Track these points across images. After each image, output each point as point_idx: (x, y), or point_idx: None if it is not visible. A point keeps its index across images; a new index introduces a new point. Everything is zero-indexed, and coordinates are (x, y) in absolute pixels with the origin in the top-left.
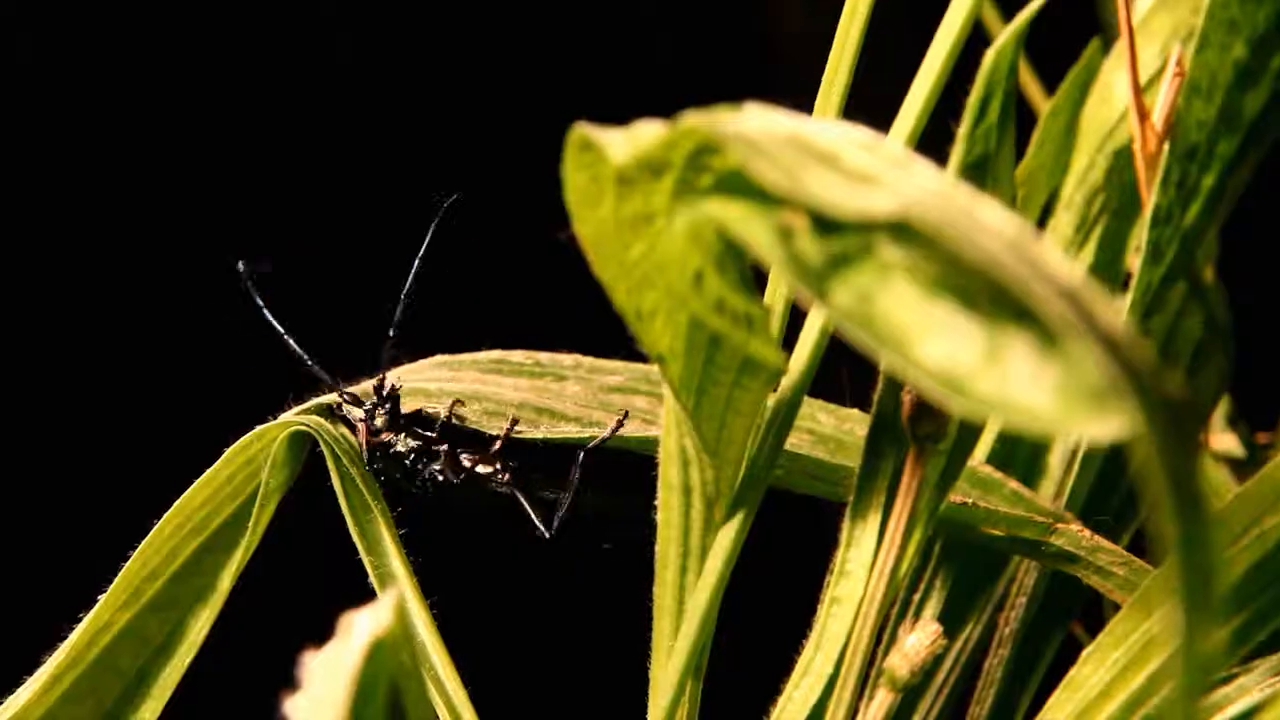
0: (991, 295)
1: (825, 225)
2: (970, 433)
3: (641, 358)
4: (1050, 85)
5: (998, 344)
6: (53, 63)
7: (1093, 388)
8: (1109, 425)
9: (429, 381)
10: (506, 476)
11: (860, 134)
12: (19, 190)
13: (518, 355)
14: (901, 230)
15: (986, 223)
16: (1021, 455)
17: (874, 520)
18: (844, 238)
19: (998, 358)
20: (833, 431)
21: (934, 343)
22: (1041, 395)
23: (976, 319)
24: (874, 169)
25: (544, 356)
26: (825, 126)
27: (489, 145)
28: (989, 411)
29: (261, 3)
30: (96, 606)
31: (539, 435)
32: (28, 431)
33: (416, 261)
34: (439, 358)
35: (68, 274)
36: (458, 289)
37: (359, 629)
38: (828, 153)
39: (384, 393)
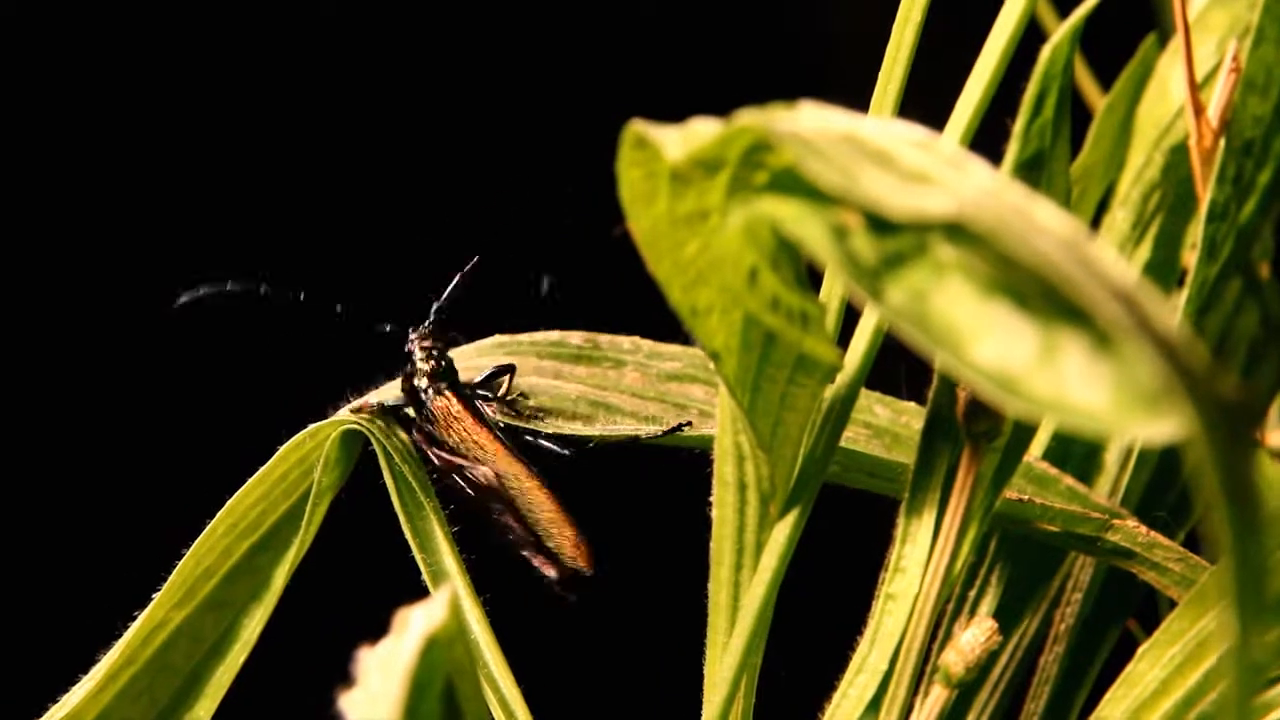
0: (1046, 295)
1: (880, 224)
2: (1026, 429)
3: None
4: (1105, 82)
5: (1052, 344)
6: (52, 63)
7: (1147, 389)
8: (1163, 426)
9: (487, 362)
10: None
11: (915, 132)
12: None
13: (576, 338)
14: (956, 230)
15: (1041, 223)
16: (1077, 451)
17: (929, 516)
18: (899, 236)
19: (1052, 358)
20: (889, 425)
21: (988, 342)
22: (1096, 396)
23: (1031, 319)
24: (928, 168)
25: (603, 339)
26: (880, 125)
27: (546, 142)
28: (1043, 412)
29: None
30: (151, 605)
31: (595, 434)
32: (82, 430)
33: (454, 280)
34: (496, 338)
35: (116, 272)
36: (513, 282)
37: (414, 625)
38: (882, 152)
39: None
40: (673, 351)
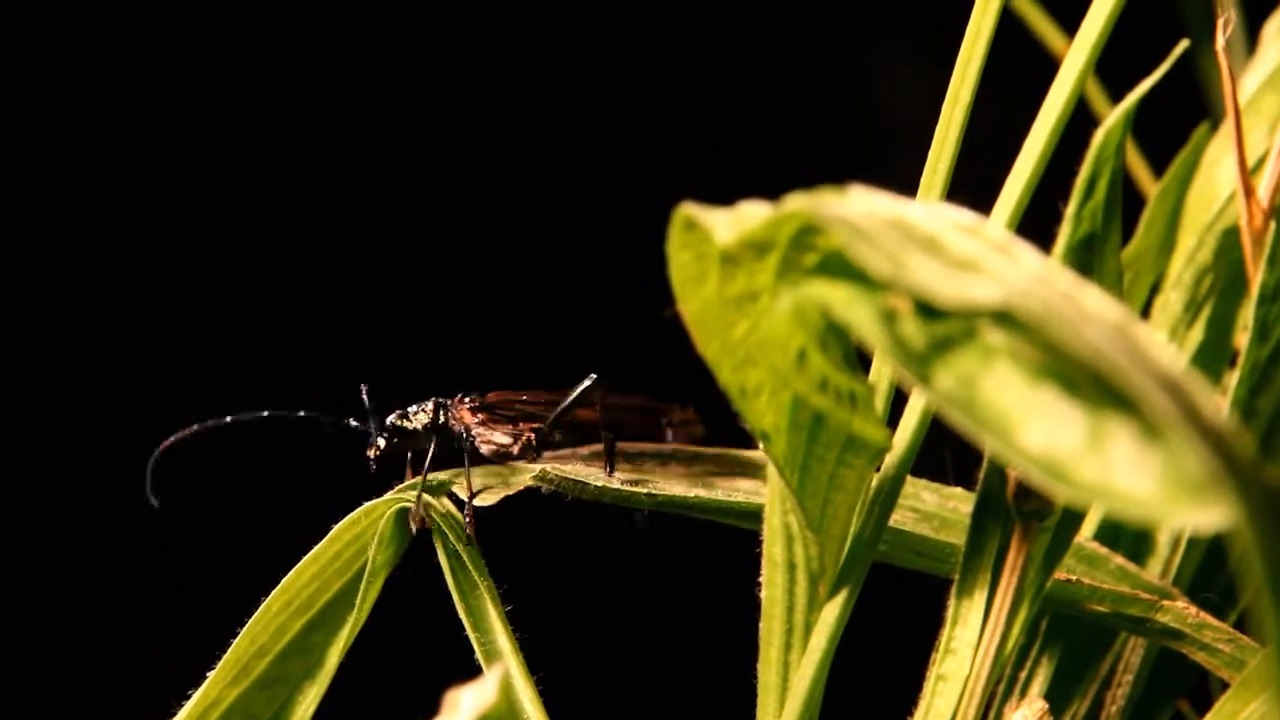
0: (1094, 382)
1: (929, 308)
2: (1077, 509)
3: (745, 436)
4: (1155, 165)
5: (1100, 431)
6: (52, 65)
7: (1193, 477)
8: (1210, 515)
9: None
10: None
11: (963, 216)
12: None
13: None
14: (1004, 316)
15: (1089, 310)
16: (1128, 531)
17: (980, 597)
18: (947, 321)
19: (1100, 444)
20: (936, 509)
21: (1036, 428)
22: (1143, 483)
23: (1079, 405)
24: (976, 255)
25: (647, 446)
26: (927, 210)
27: (599, 224)
28: (1090, 498)
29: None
30: (205, 683)
31: (643, 493)
32: (133, 510)
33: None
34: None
35: (171, 351)
36: (558, 359)
37: (464, 705)
38: (930, 238)
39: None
40: (711, 454)
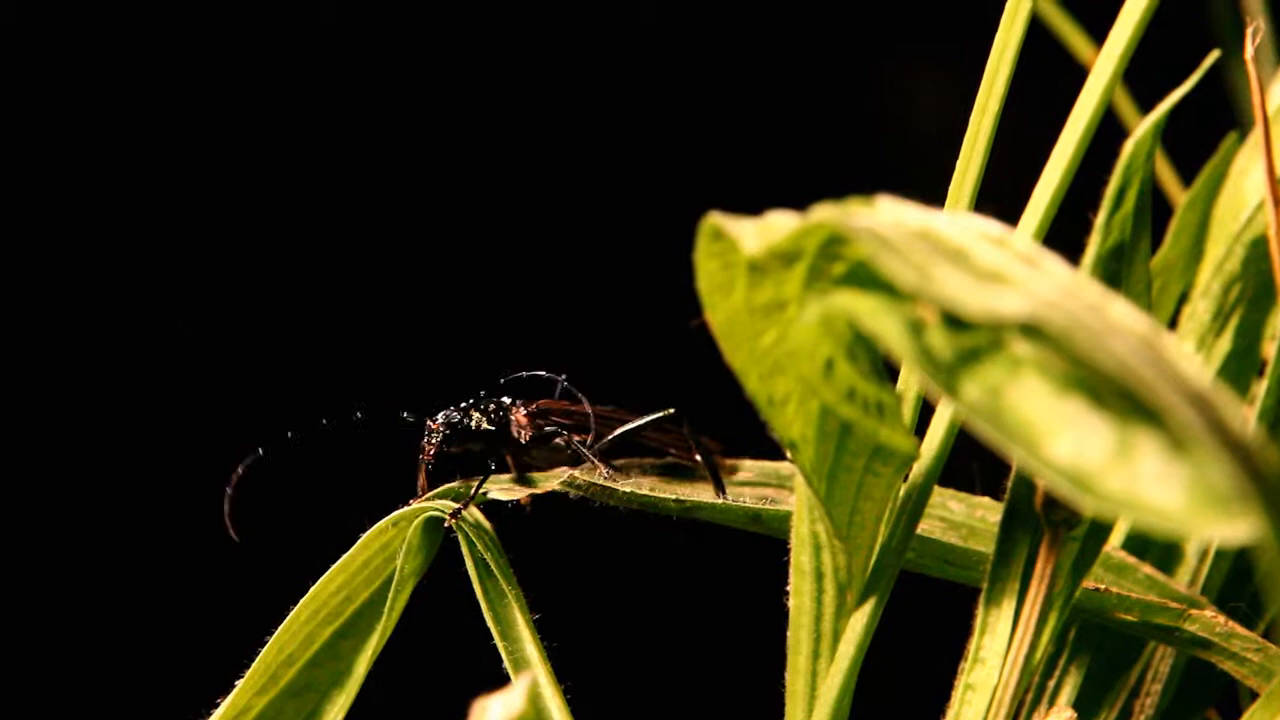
0: (1121, 394)
1: (956, 318)
2: (1105, 519)
3: (773, 446)
4: (1184, 174)
5: (1127, 443)
6: (52, 68)
7: (1219, 490)
8: (1235, 528)
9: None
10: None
11: (990, 227)
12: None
13: (649, 459)
14: (1031, 328)
15: (1116, 322)
16: (1157, 541)
17: (1008, 606)
18: (974, 332)
19: (1127, 457)
20: (964, 518)
21: (1063, 440)
22: (1169, 496)
23: (1106, 416)
24: (1003, 266)
25: (679, 455)
26: (955, 221)
27: (625, 234)
28: (1117, 510)
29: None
30: (234, 691)
31: (671, 500)
32: (159, 519)
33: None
34: (565, 470)
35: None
36: (586, 370)
37: (492, 714)
38: (957, 249)
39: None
40: (745, 465)
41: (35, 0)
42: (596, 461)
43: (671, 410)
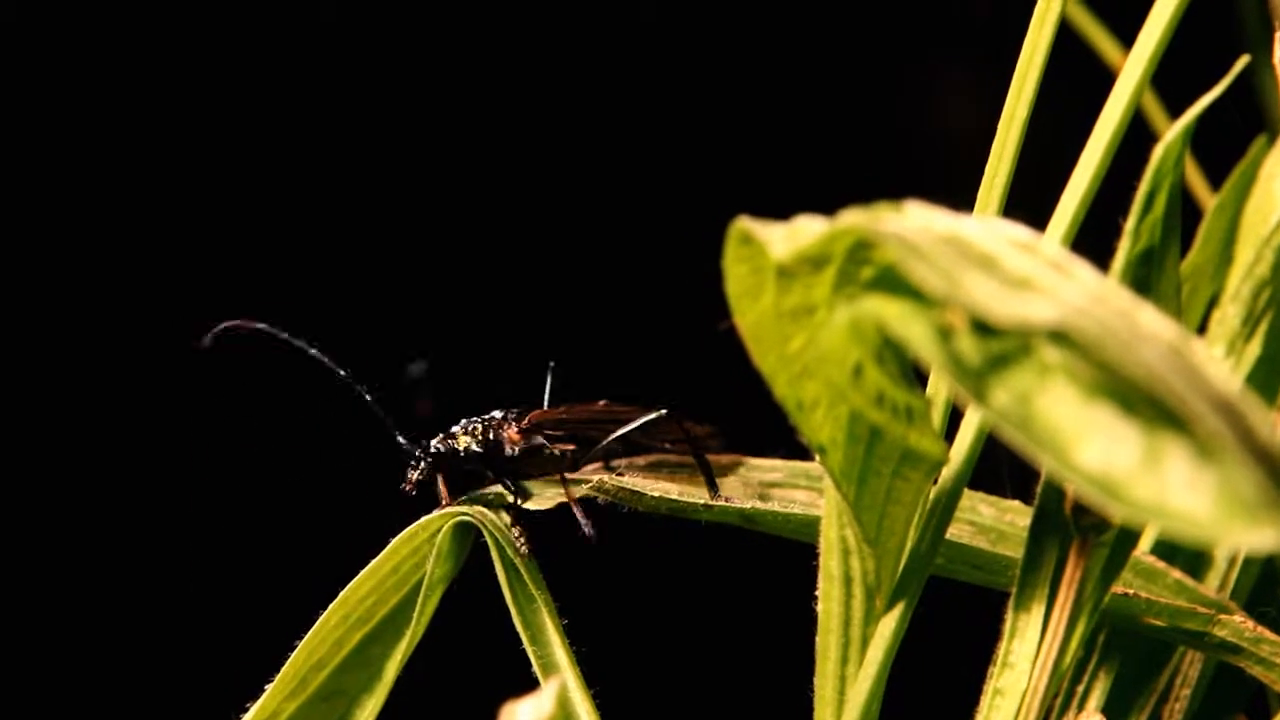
0: (1150, 401)
1: (984, 325)
2: (1134, 525)
3: (801, 448)
4: (1214, 180)
5: (1156, 450)
6: (51, 69)
7: (1248, 498)
8: (1263, 535)
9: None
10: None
11: (1018, 233)
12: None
13: (674, 459)
14: (1060, 334)
15: (1145, 330)
16: (1186, 546)
17: (1038, 611)
18: (1003, 338)
19: (1155, 464)
20: (993, 523)
21: (1091, 446)
22: (1198, 503)
23: (1135, 423)
24: (1032, 273)
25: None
26: (983, 226)
27: (652, 237)
28: (1145, 517)
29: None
30: (263, 696)
31: (700, 504)
32: (190, 523)
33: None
34: (593, 468)
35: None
36: (617, 374)
37: (521, 718)
38: (986, 255)
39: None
40: (773, 465)
41: (35, 0)
42: (591, 476)
43: (664, 410)
